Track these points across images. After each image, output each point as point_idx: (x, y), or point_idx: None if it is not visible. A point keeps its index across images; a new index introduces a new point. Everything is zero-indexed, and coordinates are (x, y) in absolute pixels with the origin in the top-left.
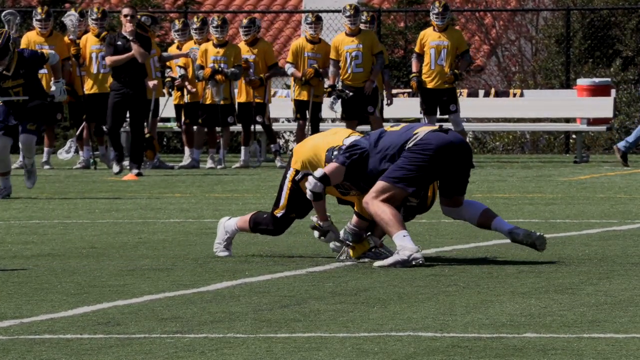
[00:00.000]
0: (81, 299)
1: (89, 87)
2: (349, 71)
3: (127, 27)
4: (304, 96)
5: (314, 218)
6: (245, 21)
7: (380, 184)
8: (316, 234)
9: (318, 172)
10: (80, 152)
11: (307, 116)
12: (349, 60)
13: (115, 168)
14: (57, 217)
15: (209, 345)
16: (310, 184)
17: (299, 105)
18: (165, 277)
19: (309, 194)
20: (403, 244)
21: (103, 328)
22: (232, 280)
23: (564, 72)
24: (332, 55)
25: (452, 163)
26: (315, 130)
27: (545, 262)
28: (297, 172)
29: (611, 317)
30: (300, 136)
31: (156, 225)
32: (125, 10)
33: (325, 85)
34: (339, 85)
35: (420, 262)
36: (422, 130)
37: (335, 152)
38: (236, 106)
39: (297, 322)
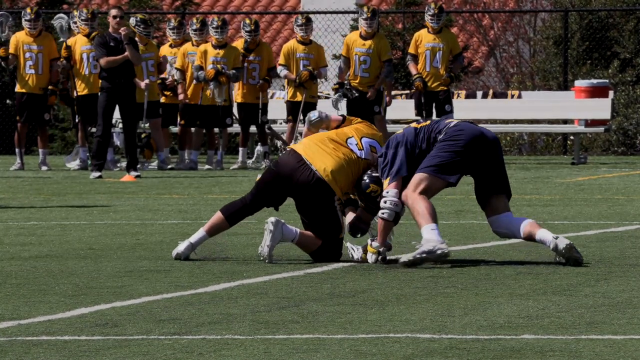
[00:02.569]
0: (79, 300)
1: (80, 88)
2: (356, 73)
3: (121, 31)
4: (297, 98)
5: (374, 243)
6: (251, 25)
7: (417, 176)
8: (373, 257)
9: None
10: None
11: (299, 117)
12: (357, 63)
13: (95, 174)
14: (55, 219)
15: (207, 347)
16: (391, 202)
17: (292, 107)
18: (163, 278)
19: (389, 215)
20: (428, 237)
21: (101, 329)
22: (230, 282)
23: (561, 74)
24: (344, 52)
25: (484, 156)
26: None
27: (543, 263)
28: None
29: (609, 319)
30: (290, 137)
31: (154, 227)
32: (114, 12)
33: (334, 82)
34: (347, 84)
35: (446, 251)
36: (454, 121)
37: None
38: (234, 107)
39: (295, 323)
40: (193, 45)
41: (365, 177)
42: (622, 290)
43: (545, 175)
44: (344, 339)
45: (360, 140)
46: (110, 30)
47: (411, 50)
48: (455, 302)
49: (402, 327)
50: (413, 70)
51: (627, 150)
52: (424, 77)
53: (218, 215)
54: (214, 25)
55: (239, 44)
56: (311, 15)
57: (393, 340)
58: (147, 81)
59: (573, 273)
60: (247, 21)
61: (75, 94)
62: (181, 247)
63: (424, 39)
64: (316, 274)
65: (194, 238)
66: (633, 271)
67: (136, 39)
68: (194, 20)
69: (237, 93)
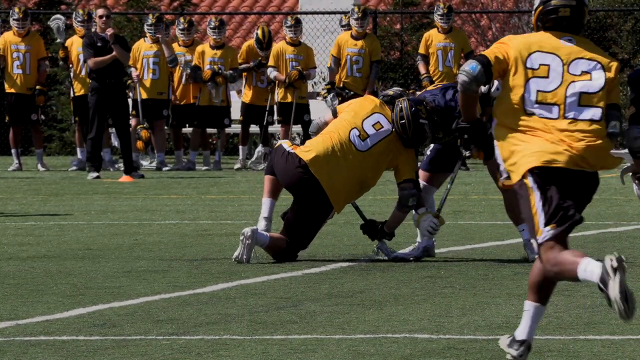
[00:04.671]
0: (77, 300)
1: (77, 89)
2: (349, 74)
3: (107, 31)
4: (287, 99)
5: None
6: (263, 43)
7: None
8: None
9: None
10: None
11: (291, 118)
12: (349, 64)
13: (92, 174)
14: (53, 219)
15: (205, 347)
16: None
17: (283, 108)
18: (161, 278)
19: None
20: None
21: (99, 330)
22: (228, 282)
23: None
24: (334, 52)
25: None
26: (305, 132)
27: None
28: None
29: (607, 319)
30: (284, 139)
31: (152, 227)
32: (100, 11)
33: (325, 82)
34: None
35: None
36: None
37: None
38: (231, 108)
39: (293, 323)
40: (179, 45)
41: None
42: None
43: None
44: (342, 339)
45: (362, 126)
46: (97, 30)
47: (421, 50)
48: (453, 302)
49: (400, 327)
50: (422, 70)
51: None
52: (437, 77)
53: (269, 178)
54: (211, 26)
55: (250, 43)
56: (309, 16)
57: (391, 341)
58: (137, 73)
59: None
60: (259, 34)
61: (72, 95)
62: (261, 224)
63: (435, 39)
64: (314, 275)
65: (265, 212)
66: (631, 272)
67: (147, 37)
68: (181, 20)
69: (245, 94)
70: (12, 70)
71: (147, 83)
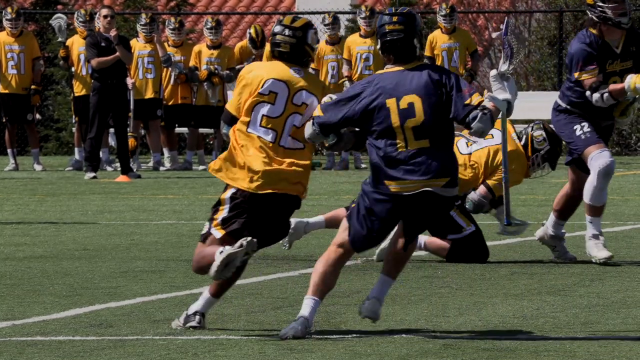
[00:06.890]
0: (73, 300)
1: (78, 89)
2: (359, 72)
3: (111, 32)
4: None
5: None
6: (257, 37)
7: None
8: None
9: None
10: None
11: None
12: (359, 61)
13: (89, 174)
14: (50, 219)
15: (202, 347)
16: None
17: None
18: (157, 279)
19: None
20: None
21: (95, 330)
22: None
23: (556, 74)
24: (345, 55)
25: None
26: None
27: (538, 263)
28: None
29: (604, 319)
30: None
31: (149, 227)
32: (104, 11)
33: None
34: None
35: None
36: None
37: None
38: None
39: (289, 323)
40: (169, 45)
41: None
42: (617, 291)
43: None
44: (338, 339)
45: None
46: (101, 30)
47: (427, 52)
48: (450, 302)
49: (397, 327)
50: None
51: (621, 151)
52: None
53: None
54: (208, 26)
55: (242, 44)
56: (307, 16)
57: (388, 341)
58: (132, 80)
59: (568, 273)
60: (252, 33)
61: (72, 95)
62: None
63: (439, 40)
64: (311, 275)
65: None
66: (627, 271)
67: (139, 37)
68: (172, 20)
69: None
70: (6, 71)
71: (144, 83)
